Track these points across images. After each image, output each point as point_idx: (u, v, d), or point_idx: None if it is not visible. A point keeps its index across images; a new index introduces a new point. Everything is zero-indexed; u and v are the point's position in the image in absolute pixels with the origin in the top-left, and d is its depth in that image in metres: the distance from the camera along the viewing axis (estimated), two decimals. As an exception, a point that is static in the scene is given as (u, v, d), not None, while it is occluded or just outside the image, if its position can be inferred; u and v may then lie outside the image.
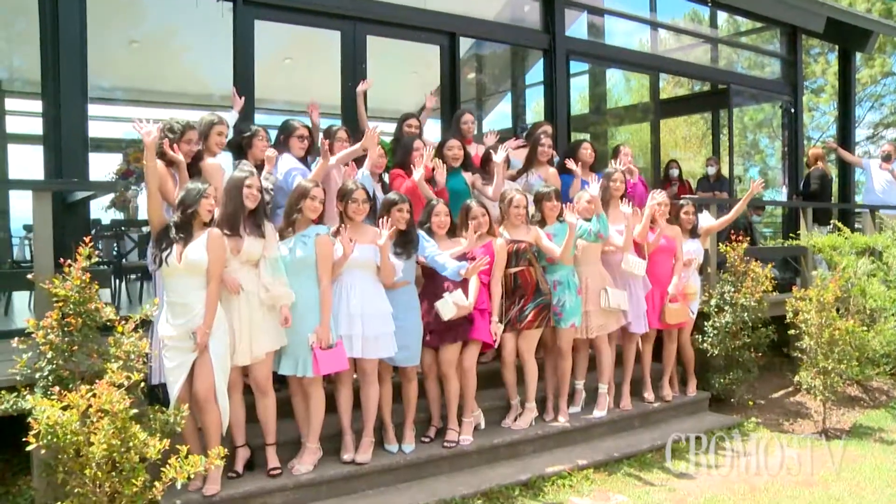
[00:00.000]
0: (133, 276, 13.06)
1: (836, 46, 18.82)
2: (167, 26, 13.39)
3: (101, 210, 14.76)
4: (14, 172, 13.61)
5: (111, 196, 13.77)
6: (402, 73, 12.46)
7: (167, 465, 5.53)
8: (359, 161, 8.26)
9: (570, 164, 9.58)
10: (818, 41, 23.02)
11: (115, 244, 13.40)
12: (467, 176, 9.15)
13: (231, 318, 6.77)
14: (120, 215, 14.43)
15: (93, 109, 13.17)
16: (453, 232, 8.03)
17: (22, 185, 8.71)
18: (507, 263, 8.35)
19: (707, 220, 10.58)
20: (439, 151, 9.11)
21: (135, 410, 5.62)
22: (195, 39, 13.40)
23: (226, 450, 5.96)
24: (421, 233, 7.80)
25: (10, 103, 13.71)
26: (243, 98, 9.27)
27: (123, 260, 12.74)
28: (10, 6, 8.57)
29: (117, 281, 12.44)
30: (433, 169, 8.67)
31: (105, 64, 13.60)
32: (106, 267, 12.87)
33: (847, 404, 11.25)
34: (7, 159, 13.54)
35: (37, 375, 5.98)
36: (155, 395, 6.81)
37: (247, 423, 7.12)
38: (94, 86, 13.83)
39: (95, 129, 13.02)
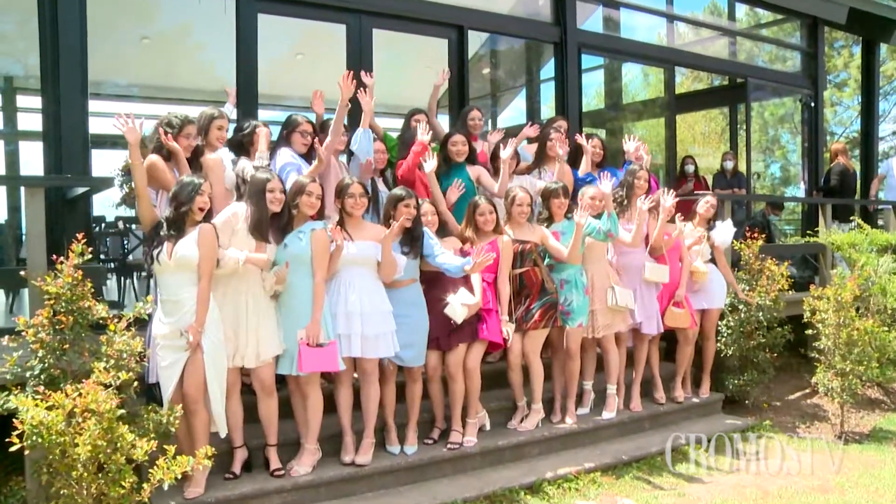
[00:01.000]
0: (144, 274, 13.11)
1: (860, 38, 18.64)
2: (177, 22, 13.43)
3: (112, 207, 14.81)
4: (27, 169, 13.68)
5: (122, 193, 13.80)
6: (416, 68, 12.42)
7: (155, 466, 5.51)
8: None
9: (581, 139, 9.55)
10: (842, 33, 22.82)
11: (122, 241, 13.44)
12: (472, 171, 9.08)
13: (238, 321, 6.79)
14: (131, 212, 14.48)
15: (106, 106, 13.24)
16: (443, 232, 7.97)
17: (13, 181, 8.72)
18: (512, 264, 8.30)
19: (725, 232, 10.39)
20: (444, 146, 9.06)
21: (122, 411, 5.60)
22: (206, 35, 13.44)
23: (213, 450, 5.93)
24: (426, 230, 7.74)
25: (26, 100, 13.78)
26: (233, 88, 9.26)
27: (130, 257, 12.78)
28: (27, 4, 8.60)
29: (123, 278, 12.47)
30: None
31: (117, 61, 13.67)
32: (112, 264, 12.95)
33: (866, 407, 11.15)
34: (19, 155, 13.59)
35: (27, 374, 5.96)
36: (152, 394, 6.79)
37: (245, 423, 7.08)
38: (109, 83, 13.97)
39: (109, 126, 13.16)
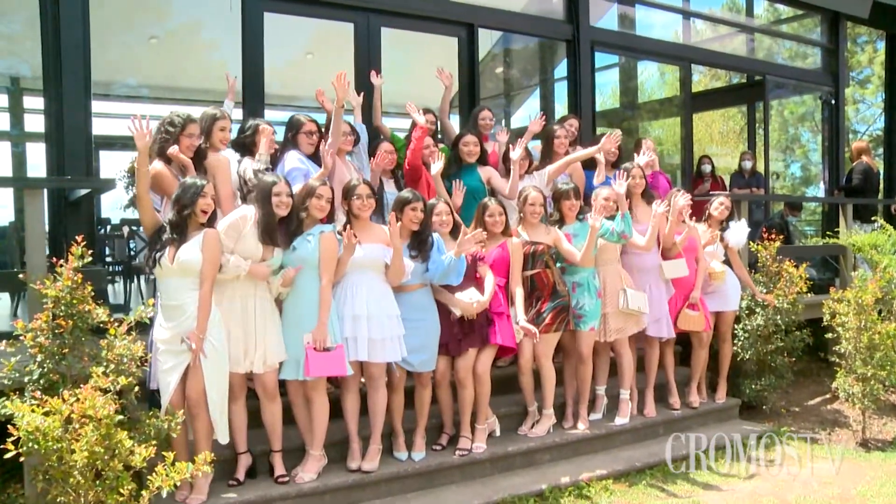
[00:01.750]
0: (152, 277, 13.18)
1: (884, 33, 18.48)
2: (185, 21, 13.48)
3: (120, 209, 14.86)
4: (35, 171, 13.75)
5: (129, 196, 13.84)
6: (426, 68, 12.42)
7: (154, 473, 5.50)
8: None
9: (612, 140, 9.51)
10: (866, 29, 22.62)
11: (127, 244, 13.48)
12: (482, 172, 9.09)
13: (247, 325, 6.78)
14: (137, 215, 14.53)
15: (116, 107, 13.25)
16: (457, 232, 7.91)
17: (12, 182, 8.73)
18: (523, 265, 8.27)
19: (739, 232, 10.33)
20: (455, 146, 9.09)
21: (120, 417, 5.58)
22: (214, 34, 13.51)
23: (213, 456, 5.92)
24: (437, 237, 7.71)
25: (34, 102, 13.84)
26: (236, 78, 9.30)
27: (136, 260, 12.82)
28: (33, 4, 8.65)
29: (129, 281, 12.51)
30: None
31: (125, 61, 13.73)
32: (118, 266, 12.97)
33: (889, 413, 11.00)
34: (26, 157, 13.64)
35: (26, 379, 5.95)
36: (154, 399, 6.78)
37: (249, 429, 7.08)
38: (119, 83, 14.02)
39: (118, 128, 13.20)
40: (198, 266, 6.37)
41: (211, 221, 6.62)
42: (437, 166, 8.49)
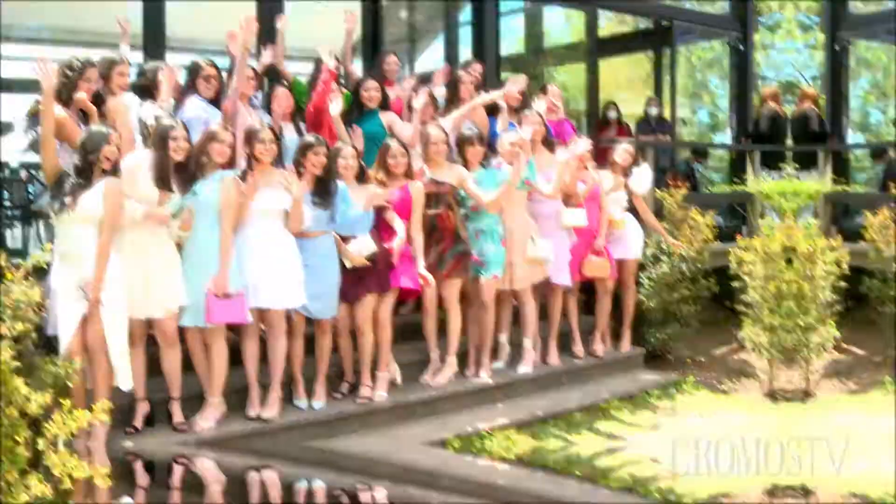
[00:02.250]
0: (51, 222, 13.06)
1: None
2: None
3: (20, 153, 14.67)
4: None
5: (28, 139, 13.65)
6: (329, 10, 12.39)
7: (51, 421, 5.54)
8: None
9: (515, 81, 9.58)
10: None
11: (26, 188, 13.35)
12: (384, 118, 9.08)
13: (146, 270, 6.81)
14: (37, 159, 14.35)
15: (17, 50, 13.06)
16: (362, 177, 7.99)
17: None
18: (426, 204, 8.32)
19: (642, 177, 10.39)
20: (356, 91, 9.09)
21: (17, 363, 5.60)
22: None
23: (111, 404, 5.96)
24: (342, 184, 7.74)
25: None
26: (128, 21, 9.26)
27: (35, 204, 12.70)
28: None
29: (26, 226, 12.41)
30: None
31: (28, 3, 13.51)
32: (16, 211, 12.85)
33: (797, 364, 11.06)
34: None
35: (-82, 329, 5.94)
36: (53, 346, 6.78)
37: (147, 376, 7.14)
38: (20, 25, 13.79)
39: (19, 70, 12.99)
40: (98, 215, 6.39)
41: (115, 170, 6.62)
42: (335, 106, 8.40)
